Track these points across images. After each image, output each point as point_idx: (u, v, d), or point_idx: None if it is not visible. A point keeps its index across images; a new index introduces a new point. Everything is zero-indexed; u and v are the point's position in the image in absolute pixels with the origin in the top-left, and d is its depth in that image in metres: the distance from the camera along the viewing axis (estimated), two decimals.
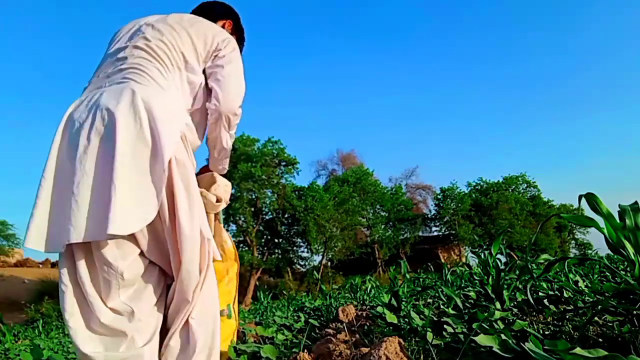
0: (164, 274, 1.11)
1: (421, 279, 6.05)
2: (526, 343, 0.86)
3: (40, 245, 0.98)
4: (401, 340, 1.24)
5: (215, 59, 1.31)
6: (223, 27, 1.55)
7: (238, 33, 1.62)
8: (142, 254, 1.05)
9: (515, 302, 2.21)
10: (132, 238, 1.02)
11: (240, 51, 1.53)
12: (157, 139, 1.01)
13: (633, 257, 1.31)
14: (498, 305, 2.07)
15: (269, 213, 24.21)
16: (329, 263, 26.03)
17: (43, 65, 49.44)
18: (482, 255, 2.88)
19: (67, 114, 1.10)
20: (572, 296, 2.09)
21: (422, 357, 1.37)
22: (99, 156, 1.00)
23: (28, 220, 0.99)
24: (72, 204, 0.96)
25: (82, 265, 1.01)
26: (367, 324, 2.32)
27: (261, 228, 24.22)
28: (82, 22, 49.34)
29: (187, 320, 1.05)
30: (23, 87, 48.73)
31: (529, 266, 2.20)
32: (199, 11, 1.54)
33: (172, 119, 1.09)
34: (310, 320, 2.59)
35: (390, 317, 1.87)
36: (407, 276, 4.92)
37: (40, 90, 49.91)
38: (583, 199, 1.42)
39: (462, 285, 3.93)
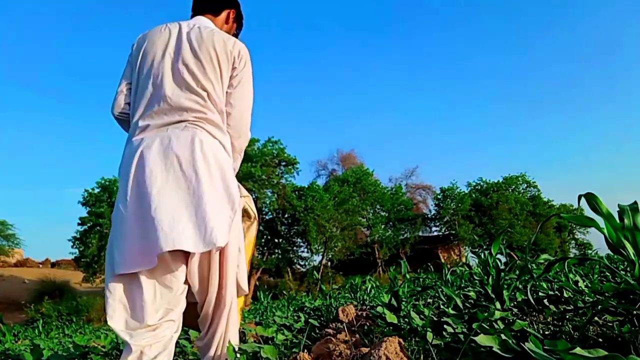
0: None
1: (421, 279, 6.05)
2: (526, 343, 0.86)
3: (137, 265, 1.18)
4: (401, 340, 1.24)
5: (231, 77, 1.42)
6: (227, 16, 1.62)
7: (238, 20, 1.69)
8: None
9: (515, 302, 2.21)
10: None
11: (238, 35, 1.70)
12: (231, 189, 1.30)
13: (633, 257, 1.31)
14: (498, 305, 2.07)
15: (269, 213, 24.22)
16: (329, 263, 26.04)
17: (42, 64, 49.51)
18: (482, 255, 2.88)
19: (137, 155, 1.26)
20: (572, 296, 2.09)
21: (422, 357, 1.37)
22: (178, 190, 1.22)
23: (117, 248, 1.21)
24: (156, 226, 1.14)
25: (144, 279, 1.20)
26: (367, 324, 2.33)
27: (261, 228, 24.23)
28: (81, 21, 49.41)
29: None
30: (23, 87, 48.78)
31: (529, 266, 2.21)
32: (204, 2, 1.58)
33: (231, 167, 1.37)
34: (310, 320, 2.59)
35: (390, 317, 1.87)
36: (407, 276, 4.93)
37: (40, 90, 49.95)
38: (583, 199, 1.42)
39: (462, 285, 3.93)
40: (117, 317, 1.18)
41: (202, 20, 1.52)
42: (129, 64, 1.46)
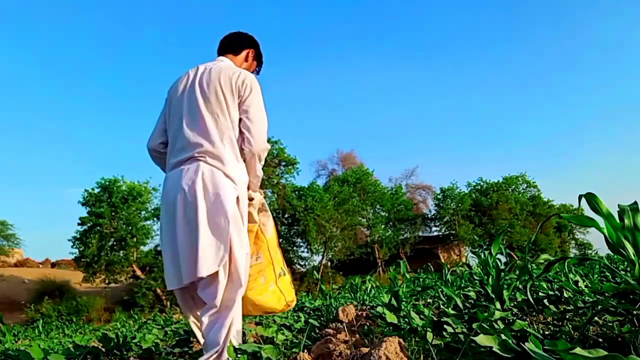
0: None
1: (421, 279, 6.06)
2: (526, 343, 0.86)
3: (171, 284, 1.54)
4: (401, 340, 1.24)
5: (240, 103, 1.63)
6: (247, 55, 1.86)
7: (258, 59, 1.94)
8: None
9: (515, 302, 2.21)
10: None
11: (259, 72, 1.95)
12: (227, 213, 1.48)
13: (633, 257, 1.31)
14: (498, 305, 2.07)
15: None
16: (329, 263, 26.03)
17: (42, 64, 49.49)
18: (482, 255, 2.89)
19: (166, 192, 1.58)
20: (572, 296, 2.09)
21: (422, 357, 1.37)
22: (190, 218, 1.48)
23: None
24: (179, 253, 1.49)
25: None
26: (367, 324, 2.33)
27: None
28: (80, 23, 49.39)
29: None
30: (23, 87, 48.78)
31: (529, 266, 2.21)
32: (226, 42, 1.85)
33: (230, 188, 1.53)
34: (310, 320, 2.59)
35: (390, 317, 1.87)
36: (407, 276, 4.93)
37: (40, 90, 49.92)
38: (583, 199, 1.42)
39: (462, 285, 3.93)
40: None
41: (220, 61, 1.76)
42: (166, 107, 1.73)
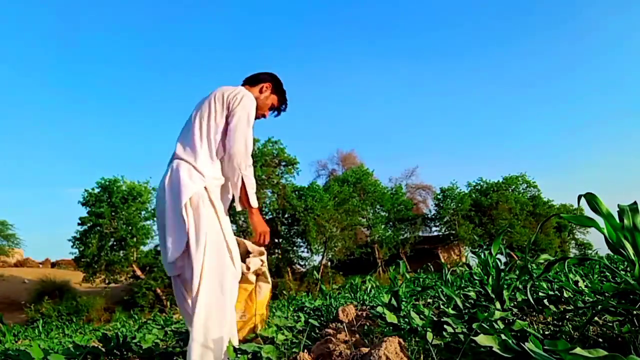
0: None
1: (421, 279, 6.05)
2: (526, 343, 0.86)
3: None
4: (401, 340, 1.24)
5: (228, 114, 1.77)
6: (261, 88, 2.02)
7: (278, 94, 2.08)
8: None
9: (515, 302, 2.21)
10: None
11: (281, 109, 2.13)
12: (177, 205, 1.60)
13: (633, 257, 1.31)
14: (498, 305, 2.07)
15: (269, 213, 24.21)
16: (329, 263, 26.02)
17: (42, 64, 49.48)
18: (482, 255, 2.88)
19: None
20: (572, 296, 2.09)
21: (422, 357, 1.37)
22: (162, 216, 1.66)
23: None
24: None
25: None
26: (367, 324, 2.33)
27: None
28: (70, 18, 49.42)
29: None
30: (23, 87, 48.78)
31: (529, 266, 2.20)
32: (249, 76, 2.05)
33: (194, 179, 1.64)
34: (310, 320, 2.59)
35: (390, 317, 1.87)
36: (407, 276, 4.93)
37: (40, 90, 49.94)
38: (583, 199, 1.42)
39: (462, 285, 3.93)
40: None
41: (237, 88, 1.89)
42: None
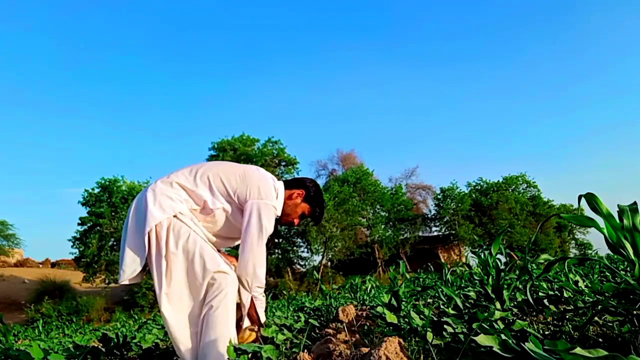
0: None
1: (421, 279, 6.05)
2: (526, 343, 0.86)
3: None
4: (401, 340, 1.24)
5: (244, 217, 1.73)
6: (292, 194, 1.95)
7: (309, 202, 1.98)
8: None
9: (515, 302, 2.21)
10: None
11: (317, 216, 2.03)
12: (144, 223, 1.62)
13: (633, 257, 1.31)
14: (498, 305, 2.07)
15: None
16: (329, 263, 26.02)
17: (42, 64, 49.47)
18: (482, 255, 2.88)
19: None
20: (572, 296, 2.09)
21: (422, 357, 1.37)
22: (124, 230, 1.72)
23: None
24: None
25: None
26: (367, 324, 2.33)
27: None
28: (73, 19, 49.39)
29: None
30: (23, 87, 48.74)
31: (529, 266, 2.21)
32: (287, 180, 2.01)
33: (157, 209, 1.65)
34: (310, 320, 2.59)
35: (390, 317, 1.87)
36: (407, 276, 4.92)
37: (41, 90, 49.91)
38: (583, 199, 1.42)
39: (462, 285, 3.93)
40: None
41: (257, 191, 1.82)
42: None
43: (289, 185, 1.97)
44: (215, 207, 1.72)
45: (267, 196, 1.76)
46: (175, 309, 1.57)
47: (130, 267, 1.59)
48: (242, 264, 1.69)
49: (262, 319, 1.79)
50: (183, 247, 1.61)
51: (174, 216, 1.66)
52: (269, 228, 1.74)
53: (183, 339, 1.55)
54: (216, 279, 1.59)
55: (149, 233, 1.60)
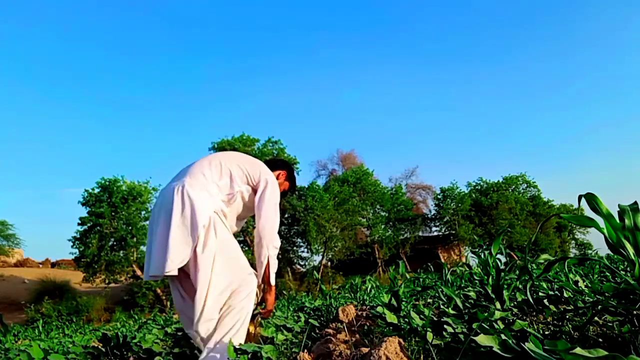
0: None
1: (421, 279, 6.05)
2: (526, 343, 0.86)
3: (145, 275, 1.74)
4: (401, 340, 1.24)
5: (258, 191, 1.95)
6: (278, 175, 2.21)
7: (289, 181, 2.30)
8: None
9: (515, 302, 2.21)
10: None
11: (293, 191, 2.37)
12: (196, 220, 1.69)
13: (633, 257, 1.31)
14: (498, 305, 2.07)
15: None
16: (329, 263, 26.02)
17: (42, 64, 49.45)
18: (482, 255, 2.88)
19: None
20: (572, 296, 2.09)
21: (422, 357, 1.37)
22: (162, 224, 1.72)
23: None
24: (152, 250, 1.72)
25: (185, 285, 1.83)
26: (367, 324, 2.33)
27: None
28: (73, 19, 49.38)
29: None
30: (23, 87, 48.75)
31: (529, 266, 2.20)
32: (268, 161, 2.22)
33: (205, 205, 1.76)
34: (310, 320, 2.59)
35: (390, 317, 1.87)
36: (407, 276, 4.92)
37: (41, 90, 49.93)
38: (583, 199, 1.42)
39: (462, 285, 3.93)
40: None
41: (265, 168, 2.08)
42: None
43: (272, 166, 2.18)
44: (234, 191, 1.92)
45: (271, 174, 2.04)
46: (213, 298, 1.67)
47: (178, 258, 1.65)
48: (264, 227, 1.90)
49: (273, 280, 1.95)
50: (222, 243, 1.75)
51: (214, 212, 1.80)
52: (278, 198, 2.01)
53: (210, 327, 1.66)
54: (245, 278, 1.76)
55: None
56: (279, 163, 2.30)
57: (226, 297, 1.71)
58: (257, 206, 1.92)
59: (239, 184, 1.94)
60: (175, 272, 1.66)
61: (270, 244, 1.90)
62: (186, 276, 1.76)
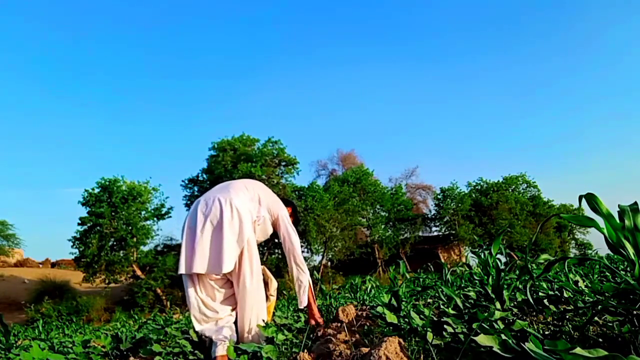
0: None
1: (421, 279, 6.04)
2: (526, 343, 0.86)
3: (182, 270, 2.00)
4: (401, 340, 1.24)
5: (276, 220, 2.44)
6: (289, 210, 2.62)
7: (295, 216, 2.77)
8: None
9: (515, 302, 2.21)
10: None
11: (297, 225, 2.73)
12: (243, 228, 2.08)
13: (633, 257, 1.31)
14: (498, 305, 2.07)
15: None
16: (329, 263, 26.01)
17: (41, 64, 49.45)
18: (482, 255, 2.88)
19: (193, 206, 2.16)
20: (572, 296, 2.09)
21: (422, 357, 1.37)
22: (213, 228, 2.05)
23: (179, 257, 2.04)
24: (195, 252, 2.00)
25: (200, 283, 2.11)
26: (367, 324, 2.33)
27: None
28: (72, 18, 49.35)
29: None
30: (23, 87, 48.75)
31: (529, 266, 2.20)
32: (281, 198, 2.62)
33: (248, 216, 2.16)
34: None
35: (390, 317, 1.86)
36: (407, 276, 4.92)
37: (40, 90, 49.94)
38: (583, 199, 1.42)
39: (462, 285, 3.93)
40: None
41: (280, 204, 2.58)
42: None
43: (286, 203, 2.63)
44: (260, 215, 2.29)
45: (285, 209, 2.52)
46: (251, 293, 2.11)
47: (231, 262, 2.01)
48: (294, 254, 2.41)
49: (305, 302, 2.49)
50: (254, 251, 2.18)
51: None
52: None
53: (251, 316, 2.10)
54: (264, 273, 2.38)
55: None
56: (287, 201, 2.73)
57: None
58: (285, 237, 2.41)
59: (264, 211, 2.32)
60: (229, 270, 2.01)
61: (303, 267, 2.40)
62: (206, 277, 2.09)
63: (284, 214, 2.42)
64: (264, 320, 2.15)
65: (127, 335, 2.38)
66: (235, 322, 2.15)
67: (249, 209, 2.17)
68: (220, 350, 1.83)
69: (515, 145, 51.63)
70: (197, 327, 2.04)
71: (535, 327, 1.63)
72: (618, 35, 50.79)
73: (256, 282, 2.13)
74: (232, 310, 2.16)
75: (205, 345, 2.03)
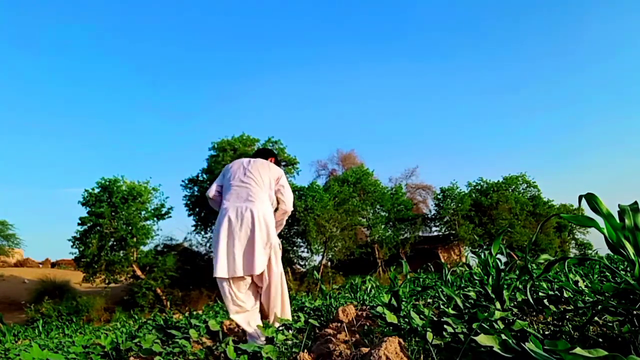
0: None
1: (421, 279, 6.05)
2: (526, 343, 0.86)
3: (224, 274, 2.42)
4: (401, 340, 1.24)
5: (277, 185, 2.86)
6: (271, 160, 3.06)
7: (277, 161, 3.16)
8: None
9: (515, 302, 2.21)
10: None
11: (279, 164, 3.16)
12: (270, 235, 2.55)
13: (633, 257, 1.31)
14: (498, 305, 2.07)
15: None
16: (329, 263, 26.00)
17: (41, 64, 49.44)
18: (482, 255, 2.88)
19: (226, 216, 2.54)
20: (572, 296, 2.09)
21: (422, 357, 1.37)
22: (247, 237, 2.48)
23: (216, 261, 2.44)
24: (235, 258, 2.45)
25: (236, 283, 2.51)
26: (367, 324, 2.33)
27: None
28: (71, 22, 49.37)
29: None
30: (23, 87, 48.72)
31: (529, 266, 2.20)
32: (259, 152, 3.20)
33: (272, 222, 2.62)
34: (310, 320, 2.59)
35: (390, 317, 1.86)
36: (407, 276, 4.92)
37: (40, 90, 49.91)
38: (583, 199, 1.42)
39: (462, 285, 3.93)
40: None
41: (257, 159, 2.95)
42: (222, 175, 2.89)
43: (267, 154, 3.14)
44: (272, 197, 2.77)
45: (280, 170, 2.94)
46: (277, 288, 2.62)
47: (263, 265, 2.46)
48: (289, 205, 2.88)
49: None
50: (279, 253, 2.66)
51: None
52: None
53: (275, 301, 2.61)
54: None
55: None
56: (270, 152, 3.21)
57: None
58: (283, 193, 2.86)
59: (265, 189, 2.72)
60: (261, 271, 2.46)
61: (287, 215, 2.91)
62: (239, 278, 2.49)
63: (282, 175, 2.91)
64: (276, 315, 2.58)
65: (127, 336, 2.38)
66: (262, 312, 2.63)
67: (271, 212, 2.65)
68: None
69: (515, 145, 51.64)
70: (232, 316, 2.48)
71: (535, 327, 1.63)
72: (618, 33, 50.80)
73: (281, 279, 2.64)
74: (256, 301, 2.61)
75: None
